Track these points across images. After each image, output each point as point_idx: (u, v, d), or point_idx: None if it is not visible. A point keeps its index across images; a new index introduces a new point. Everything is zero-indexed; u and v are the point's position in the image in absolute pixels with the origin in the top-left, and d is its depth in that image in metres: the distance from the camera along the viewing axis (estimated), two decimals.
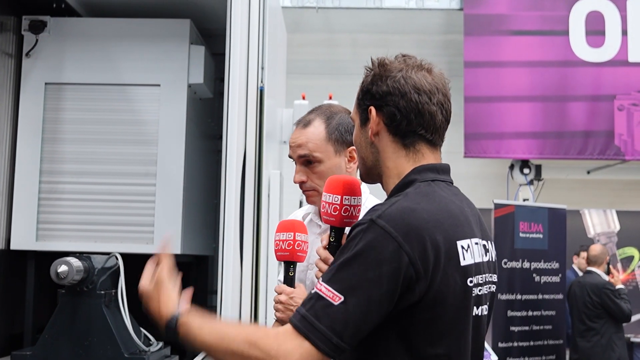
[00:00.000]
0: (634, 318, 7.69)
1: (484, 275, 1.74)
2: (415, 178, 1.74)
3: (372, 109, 1.77)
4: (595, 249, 7.72)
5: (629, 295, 7.58)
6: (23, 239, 3.91)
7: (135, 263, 3.80)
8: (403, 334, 1.62)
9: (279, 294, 2.19)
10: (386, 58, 1.81)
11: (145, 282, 1.85)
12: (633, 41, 9.10)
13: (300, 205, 5.34)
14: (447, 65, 10.00)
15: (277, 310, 2.20)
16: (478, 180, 9.37)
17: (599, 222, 9.26)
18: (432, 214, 1.64)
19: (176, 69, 4.06)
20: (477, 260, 1.71)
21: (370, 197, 2.39)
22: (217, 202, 4.88)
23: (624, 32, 9.10)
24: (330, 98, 5.30)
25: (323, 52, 10.29)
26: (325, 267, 1.86)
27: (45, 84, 4.02)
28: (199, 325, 1.67)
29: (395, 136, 1.77)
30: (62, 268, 3.21)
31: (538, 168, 9.47)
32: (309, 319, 1.55)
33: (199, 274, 4.75)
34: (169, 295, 1.81)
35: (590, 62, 9.04)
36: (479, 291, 1.72)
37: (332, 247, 1.92)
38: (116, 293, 3.47)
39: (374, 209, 1.66)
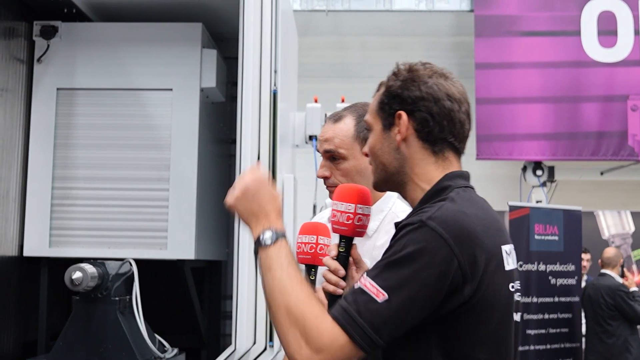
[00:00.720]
0: None
1: (517, 281, 1.73)
2: (449, 184, 1.72)
3: (403, 113, 1.73)
4: (609, 251, 7.66)
5: None
6: (36, 246, 3.90)
7: (150, 269, 3.83)
8: (444, 336, 1.59)
9: None
10: (412, 64, 1.78)
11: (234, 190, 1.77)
12: None
13: (314, 209, 5.32)
14: (458, 67, 9.96)
15: None
16: (490, 183, 9.30)
17: (614, 224, 9.18)
18: (480, 219, 1.63)
19: (188, 73, 4.05)
20: (514, 266, 1.71)
21: (398, 201, 2.35)
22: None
23: (637, 32, 9.02)
24: (343, 101, 5.27)
25: (333, 55, 10.25)
26: (334, 279, 1.84)
27: (57, 89, 4.01)
28: (287, 260, 1.65)
29: (425, 142, 1.74)
30: (77, 274, 3.20)
31: (551, 169, 9.39)
32: (350, 313, 1.53)
33: (212, 279, 4.73)
34: (272, 194, 1.76)
35: (603, 63, 8.95)
36: (517, 297, 1.72)
37: (342, 257, 1.87)
38: (130, 299, 3.45)
39: (422, 210, 1.63)
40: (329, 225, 2.09)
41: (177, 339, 4.01)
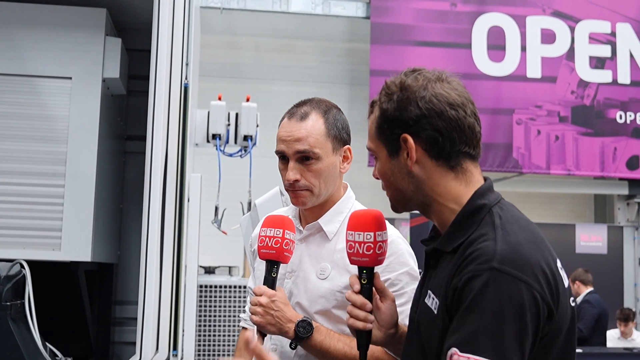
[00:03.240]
0: None
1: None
2: (484, 203, 1.58)
3: (408, 136, 1.58)
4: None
5: None
6: None
7: (43, 271, 3.53)
8: None
9: (259, 295, 1.94)
10: (401, 78, 1.63)
11: None
12: (531, 57, 9.36)
13: (216, 211, 5.11)
14: (351, 73, 10.01)
15: (255, 313, 1.94)
16: (379, 190, 9.34)
17: None
18: (533, 242, 1.50)
19: (90, 62, 3.79)
20: (567, 280, 1.60)
21: (357, 203, 2.21)
22: (122, 206, 4.61)
23: (523, 48, 9.36)
24: (248, 100, 5.09)
25: (226, 55, 10.05)
26: (363, 314, 1.70)
27: None
28: None
29: (438, 160, 1.58)
30: None
31: None
32: None
33: (103, 283, 4.45)
34: None
35: (491, 76, 9.23)
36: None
37: (366, 290, 1.73)
38: (22, 304, 3.15)
39: (480, 251, 1.46)
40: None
41: (65, 345, 3.73)
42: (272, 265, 1.95)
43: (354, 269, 1.78)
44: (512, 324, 1.38)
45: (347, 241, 1.76)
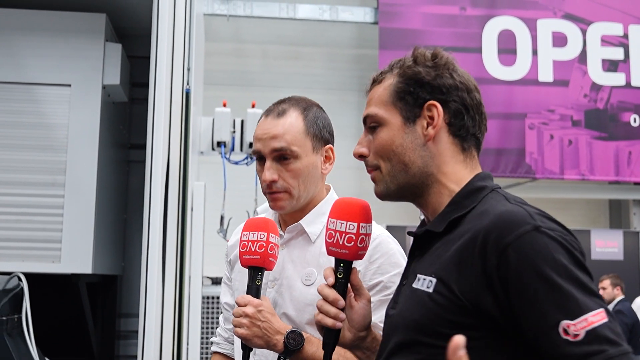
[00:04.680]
0: None
1: None
2: (484, 185, 1.51)
3: (437, 103, 1.52)
4: None
5: None
6: None
7: (43, 284, 3.43)
8: None
9: (243, 305, 1.79)
10: (433, 49, 1.61)
11: None
12: (542, 61, 9.24)
13: (222, 221, 5.01)
14: (359, 79, 9.91)
15: (240, 325, 1.78)
16: (368, 198, 9.24)
17: None
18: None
19: (89, 68, 3.68)
20: None
21: None
22: (125, 217, 4.51)
23: (535, 52, 9.24)
24: (254, 106, 4.99)
25: (232, 63, 9.98)
26: (334, 311, 1.58)
27: None
28: None
29: (455, 137, 1.53)
30: None
31: None
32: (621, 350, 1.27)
33: (107, 295, 4.35)
34: None
35: (503, 80, 9.11)
36: None
37: (341, 285, 1.60)
38: (20, 319, 3.06)
39: (509, 215, 1.37)
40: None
41: None
42: (257, 272, 1.80)
43: None
44: (581, 272, 1.33)
45: (327, 229, 1.62)
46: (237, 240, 2.02)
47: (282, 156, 1.98)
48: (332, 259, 1.64)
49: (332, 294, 1.59)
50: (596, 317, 1.28)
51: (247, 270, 1.84)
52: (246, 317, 1.78)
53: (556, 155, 9.16)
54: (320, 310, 1.60)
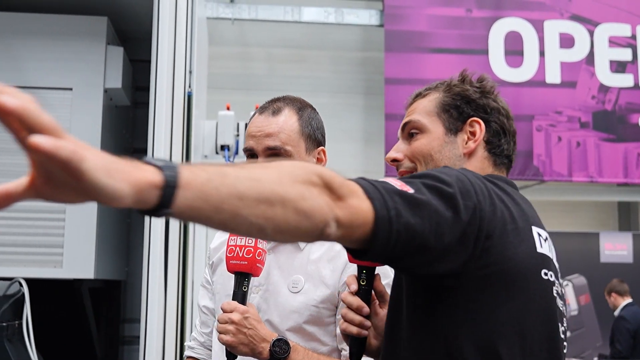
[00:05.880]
0: None
1: None
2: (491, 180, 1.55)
3: (480, 120, 1.61)
4: None
5: None
6: None
7: (45, 289, 3.40)
8: None
9: (230, 312, 1.75)
10: (479, 75, 1.72)
11: None
12: (550, 62, 9.17)
13: None
14: (365, 82, 9.86)
15: (225, 332, 1.73)
16: None
17: None
18: None
19: (91, 72, 3.67)
20: None
21: None
22: (129, 221, 4.48)
23: (542, 53, 9.16)
24: (257, 108, 4.95)
25: (237, 66, 9.94)
26: (358, 318, 1.56)
27: None
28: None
29: (490, 154, 1.62)
30: None
31: None
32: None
33: (110, 301, 4.32)
34: None
35: (510, 82, 9.03)
36: None
37: (364, 292, 1.58)
38: (20, 325, 3.03)
39: None
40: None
41: None
42: (243, 278, 1.76)
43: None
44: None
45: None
46: (221, 243, 1.99)
47: (275, 155, 1.94)
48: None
49: (356, 301, 1.57)
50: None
51: (228, 274, 1.80)
52: (232, 323, 1.74)
53: (564, 157, 9.08)
54: (345, 319, 1.58)
